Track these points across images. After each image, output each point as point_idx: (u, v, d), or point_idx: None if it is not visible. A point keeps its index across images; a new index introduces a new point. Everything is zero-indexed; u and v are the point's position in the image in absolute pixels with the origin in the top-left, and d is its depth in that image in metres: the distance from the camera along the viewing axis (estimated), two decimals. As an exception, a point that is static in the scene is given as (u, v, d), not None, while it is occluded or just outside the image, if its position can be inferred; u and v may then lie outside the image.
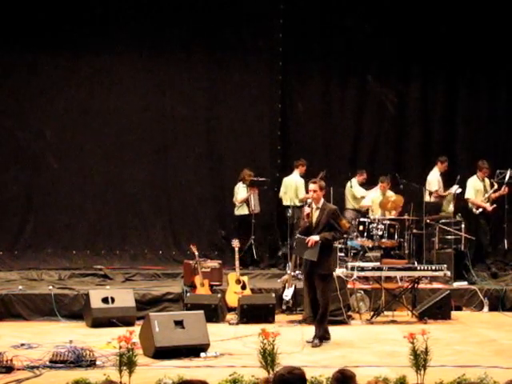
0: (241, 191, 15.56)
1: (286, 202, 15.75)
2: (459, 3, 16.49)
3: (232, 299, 12.67)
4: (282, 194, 15.96)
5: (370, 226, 14.22)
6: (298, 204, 15.35)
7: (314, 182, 10.56)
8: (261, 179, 15.56)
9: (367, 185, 16.08)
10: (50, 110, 15.93)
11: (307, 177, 14.20)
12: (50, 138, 15.96)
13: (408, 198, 15.36)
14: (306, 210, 10.49)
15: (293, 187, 15.69)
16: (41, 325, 11.81)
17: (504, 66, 16.75)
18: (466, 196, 15.17)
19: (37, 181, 15.96)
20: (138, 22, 15.90)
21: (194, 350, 9.46)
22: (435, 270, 12.51)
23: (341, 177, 16.10)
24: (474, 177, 15.23)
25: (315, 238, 10.27)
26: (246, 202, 15.56)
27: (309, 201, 10.52)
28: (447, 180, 15.62)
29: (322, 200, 10.49)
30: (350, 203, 16.06)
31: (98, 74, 16.04)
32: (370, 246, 14.21)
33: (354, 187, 15.97)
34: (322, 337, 10.42)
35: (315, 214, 10.45)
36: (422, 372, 7.93)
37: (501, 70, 16.80)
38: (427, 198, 15.14)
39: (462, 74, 17.04)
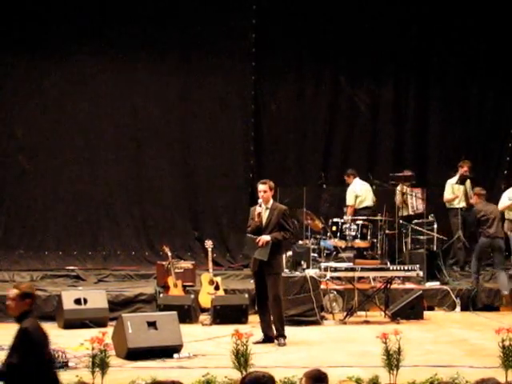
0: (397, 193, 15.14)
1: None
2: (430, 3, 16.59)
3: (205, 300, 12.65)
4: None
5: (343, 227, 14.24)
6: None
7: (264, 183, 10.59)
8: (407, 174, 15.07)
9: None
10: (21, 110, 15.79)
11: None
12: (21, 138, 15.85)
13: (381, 198, 15.42)
14: (258, 209, 10.52)
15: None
16: (12, 326, 11.66)
17: (475, 65, 16.84)
18: None
19: (8, 181, 15.84)
20: (109, 23, 15.80)
21: (167, 351, 9.46)
22: (408, 271, 12.57)
23: (313, 177, 16.14)
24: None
25: (266, 237, 10.32)
26: (406, 202, 15.21)
27: (260, 201, 10.54)
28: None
29: (271, 200, 10.58)
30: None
31: (70, 74, 15.88)
32: (343, 246, 14.23)
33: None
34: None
35: (265, 215, 10.51)
36: (395, 372, 7.97)
37: (472, 69, 16.88)
38: None
39: (433, 74, 17.10)
